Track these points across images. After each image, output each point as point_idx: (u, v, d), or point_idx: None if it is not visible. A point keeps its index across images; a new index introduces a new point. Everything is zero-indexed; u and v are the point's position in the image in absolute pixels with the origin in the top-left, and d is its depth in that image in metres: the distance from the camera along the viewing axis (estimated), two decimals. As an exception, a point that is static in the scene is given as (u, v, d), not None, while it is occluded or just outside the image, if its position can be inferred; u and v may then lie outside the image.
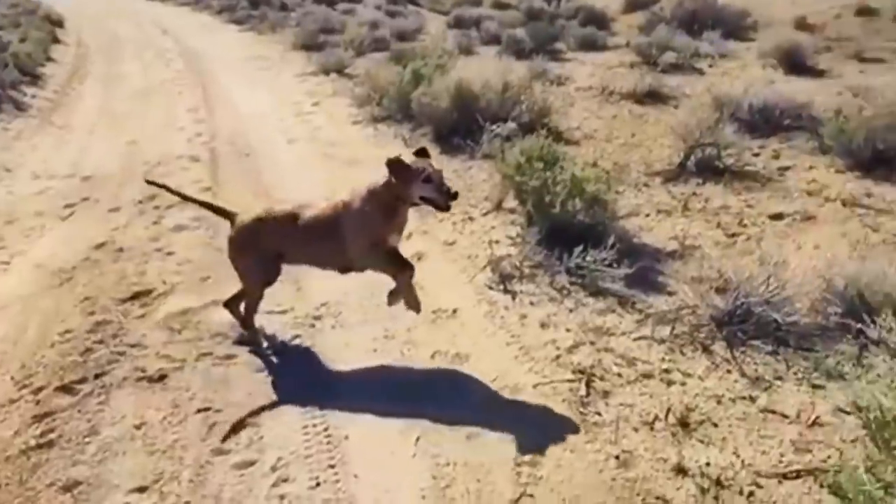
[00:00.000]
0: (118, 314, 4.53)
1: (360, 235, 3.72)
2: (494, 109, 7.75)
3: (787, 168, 6.68)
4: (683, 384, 3.70)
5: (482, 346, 4.09)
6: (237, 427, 3.48)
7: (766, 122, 7.70)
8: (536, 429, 3.38)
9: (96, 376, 3.90)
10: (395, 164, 3.57)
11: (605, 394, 3.64)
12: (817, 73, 10.63)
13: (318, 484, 3.13)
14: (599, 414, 3.50)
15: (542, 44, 13.23)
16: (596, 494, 3.02)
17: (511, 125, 7.34)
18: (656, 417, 3.45)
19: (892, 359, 3.46)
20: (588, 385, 3.69)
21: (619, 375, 3.78)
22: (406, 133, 8.31)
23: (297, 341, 4.23)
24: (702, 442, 3.29)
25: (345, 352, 4.09)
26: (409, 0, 22.84)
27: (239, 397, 3.71)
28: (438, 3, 22.27)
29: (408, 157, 3.63)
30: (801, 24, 14.09)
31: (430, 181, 3.57)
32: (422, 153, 3.72)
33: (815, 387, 3.62)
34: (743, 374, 3.75)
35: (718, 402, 3.55)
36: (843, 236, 5.27)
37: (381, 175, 3.65)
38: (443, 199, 3.58)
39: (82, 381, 3.87)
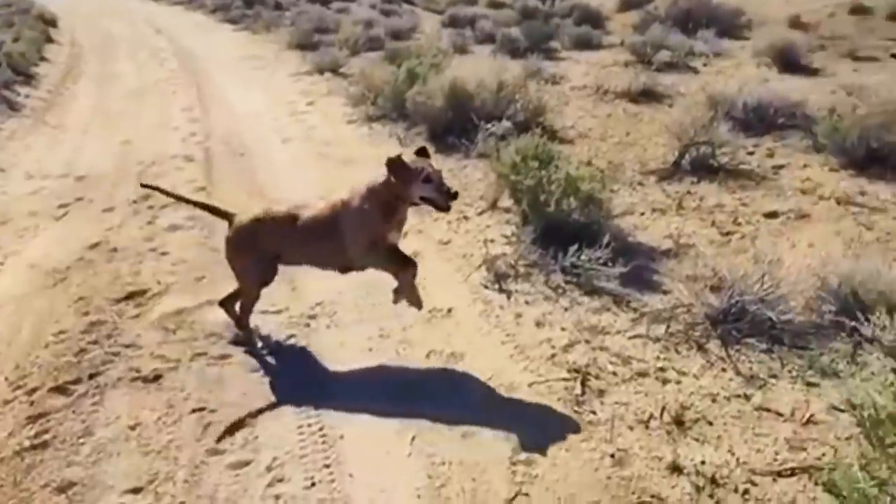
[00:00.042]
0: (112, 314, 4.52)
1: (359, 234, 3.70)
2: (489, 108, 7.75)
3: (781, 166, 6.69)
4: (678, 382, 3.70)
5: (477, 346, 4.09)
6: (234, 428, 3.48)
7: (760, 120, 7.72)
8: (532, 428, 3.38)
9: (91, 377, 3.89)
10: (394, 164, 3.56)
11: (601, 392, 3.65)
12: (811, 72, 10.66)
13: (313, 484, 3.13)
14: (595, 412, 3.50)
15: (537, 43, 13.23)
16: (591, 493, 3.02)
17: (506, 124, 7.35)
18: (651, 416, 3.45)
19: (886, 357, 3.47)
20: (583, 384, 3.70)
21: (615, 374, 3.79)
22: (401, 132, 8.30)
23: (292, 341, 4.22)
24: (697, 440, 3.29)
25: (340, 351, 4.09)
26: (403, -1, 22.84)
27: (234, 397, 3.70)
28: (433, 2, 22.25)
29: (408, 157, 3.63)
30: (795, 23, 14.11)
31: (430, 181, 3.56)
32: (422, 153, 3.71)
33: (809, 385, 3.63)
34: (738, 373, 3.76)
35: (713, 401, 3.55)
36: (837, 234, 5.28)
37: (380, 173, 3.64)
38: (442, 199, 3.57)
39: (77, 381, 3.86)
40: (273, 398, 3.69)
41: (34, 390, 3.79)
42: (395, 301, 3.93)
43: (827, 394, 3.54)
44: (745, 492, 2.99)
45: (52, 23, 20.65)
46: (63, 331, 4.35)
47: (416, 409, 3.53)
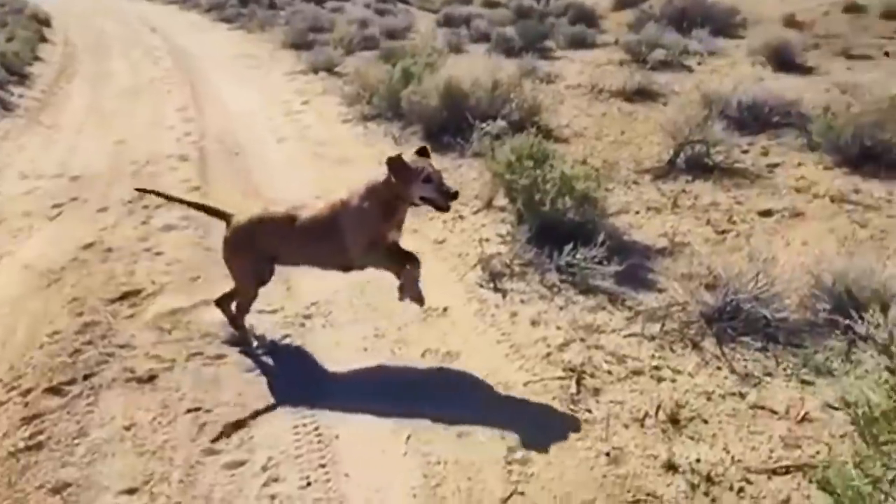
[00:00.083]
0: (107, 315, 4.51)
1: (358, 234, 3.68)
2: (484, 108, 7.75)
3: (775, 165, 6.71)
4: (673, 381, 3.71)
5: (473, 345, 4.09)
6: (234, 428, 3.46)
7: (755, 119, 7.73)
8: (527, 426, 3.38)
9: (85, 377, 3.88)
10: (395, 163, 3.55)
11: (596, 391, 3.65)
12: (806, 71, 10.69)
13: (308, 483, 3.12)
14: (590, 411, 3.51)
15: (532, 42, 13.24)
16: (587, 491, 3.03)
17: (501, 123, 7.33)
18: (646, 414, 3.46)
19: (880, 354, 3.47)
20: (578, 382, 3.70)
21: (610, 373, 3.79)
22: (396, 131, 8.29)
23: (287, 341, 4.21)
24: (692, 438, 3.30)
25: (335, 351, 4.08)
26: (398, -2, 22.82)
27: (229, 397, 3.69)
28: (428, 2, 22.24)
29: (408, 157, 3.62)
30: (790, 22, 14.16)
31: (430, 181, 3.56)
32: (422, 153, 3.70)
33: (804, 383, 3.64)
34: (732, 371, 3.77)
35: (708, 399, 3.56)
36: (831, 232, 5.30)
37: (380, 172, 3.63)
38: (442, 199, 3.57)
39: (71, 382, 3.85)
40: (268, 398, 3.68)
41: (28, 391, 3.78)
42: (401, 298, 3.88)
43: (821, 392, 3.55)
44: (741, 490, 2.99)
45: (45, 22, 20.59)
46: (57, 331, 4.34)
47: (411, 408, 3.52)
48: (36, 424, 3.53)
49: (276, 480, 3.15)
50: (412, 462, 3.22)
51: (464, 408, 3.53)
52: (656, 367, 3.81)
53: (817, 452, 3.16)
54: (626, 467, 3.14)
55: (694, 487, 3.01)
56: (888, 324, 3.61)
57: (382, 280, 4.51)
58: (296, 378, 3.85)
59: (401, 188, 3.58)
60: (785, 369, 3.75)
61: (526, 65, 10.82)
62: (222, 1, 23.08)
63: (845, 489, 2.35)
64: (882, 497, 2.30)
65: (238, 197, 6.37)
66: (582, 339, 4.09)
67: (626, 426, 3.39)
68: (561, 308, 4.43)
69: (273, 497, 3.06)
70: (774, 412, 3.45)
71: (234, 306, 4.14)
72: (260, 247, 3.90)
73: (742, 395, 3.57)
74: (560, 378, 3.75)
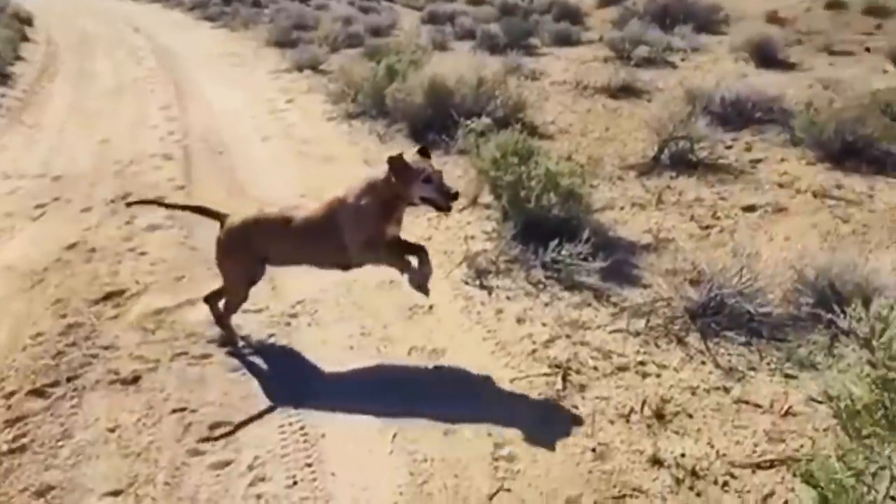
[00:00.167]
0: (91, 316, 4.47)
1: (357, 231, 3.65)
2: (469, 105, 7.75)
3: (759, 160, 6.75)
4: (658, 376, 3.73)
5: (459, 342, 4.10)
6: (229, 433, 3.45)
7: (738, 115, 7.79)
8: (513, 423, 3.39)
9: (69, 379, 3.85)
10: (396, 163, 3.54)
11: (582, 387, 3.66)
12: (788, 66, 10.77)
13: (295, 483, 3.12)
14: (576, 407, 3.52)
15: (517, 39, 13.26)
16: (572, 487, 3.04)
17: (486, 120, 7.30)
18: (632, 410, 3.47)
19: (862, 348, 3.49)
20: (564, 379, 3.71)
21: (595, 369, 3.80)
22: (381, 129, 8.27)
23: (272, 340, 4.20)
24: (677, 433, 3.31)
25: (321, 350, 4.07)
26: (382, -4, 22.77)
27: (214, 397, 3.67)
28: (412, -1, 22.23)
29: (408, 156, 3.61)
30: (772, 18, 14.26)
31: (431, 181, 3.55)
32: (423, 153, 3.68)
33: (787, 377, 3.67)
34: (717, 366, 3.79)
35: (693, 394, 3.58)
36: (813, 227, 5.34)
37: (379, 171, 3.62)
38: (443, 199, 3.56)
39: (54, 384, 3.81)
40: (254, 397, 3.66)
41: (11, 394, 3.74)
42: (418, 289, 3.78)
43: (805, 385, 3.57)
44: (725, 484, 3.01)
45: (27, 21, 20.36)
46: (40, 333, 4.30)
47: (397, 406, 3.52)
48: (19, 427, 3.50)
49: (262, 480, 3.14)
50: (399, 460, 3.22)
51: (450, 405, 3.53)
52: (641, 363, 3.83)
53: (801, 446, 3.19)
54: (612, 463, 3.16)
55: (679, 482, 3.02)
56: (870, 318, 3.62)
57: (368, 278, 4.52)
58: (281, 377, 3.84)
59: (401, 188, 3.57)
60: (769, 364, 3.78)
61: (511, 62, 10.84)
62: (205, -1, 22.96)
63: (829, 482, 2.36)
64: (865, 490, 2.32)
65: (223, 195, 6.34)
66: (567, 336, 4.10)
67: (612, 422, 3.41)
68: (546, 305, 4.44)
69: (259, 496, 3.05)
70: (758, 406, 3.47)
71: (221, 304, 4.12)
72: (254, 248, 3.88)
73: (726, 390, 3.60)
74: (546, 374, 3.76)
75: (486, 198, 5.82)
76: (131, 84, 11.91)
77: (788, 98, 8.03)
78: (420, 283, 3.72)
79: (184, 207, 4.31)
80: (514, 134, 5.68)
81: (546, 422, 3.41)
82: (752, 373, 3.72)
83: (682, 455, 3.16)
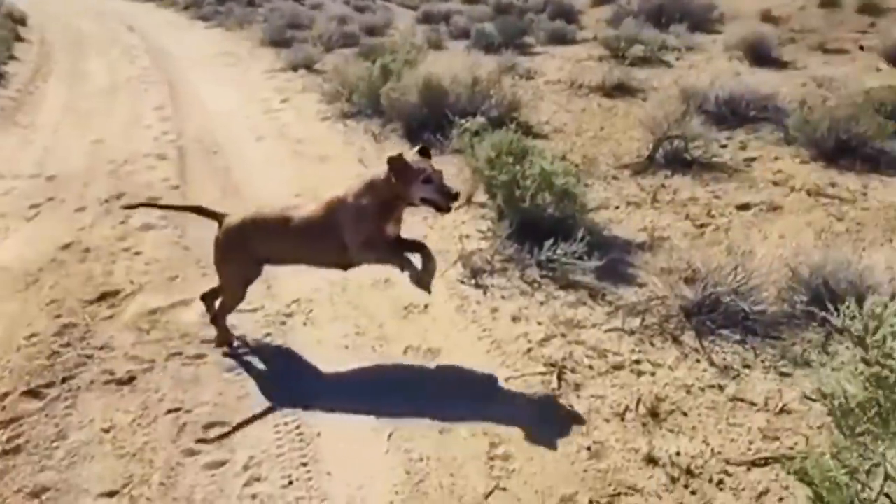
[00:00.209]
0: (85, 316, 4.46)
1: (356, 231, 3.64)
2: (464, 104, 7.74)
3: (753, 159, 6.77)
4: (653, 375, 3.73)
5: (454, 341, 4.10)
6: (227, 434, 3.44)
7: (732, 113, 7.80)
8: (508, 422, 3.39)
9: (63, 380, 3.84)
10: (396, 163, 3.52)
11: (577, 386, 3.66)
12: (782, 65, 10.79)
13: (290, 482, 3.11)
14: (571, 406, 3.52)
15: (511, 38, 13.25)
16: (568, 486, 3.04)
17: (480, 120, 7.29)
18: (627, 408, 3.48)
19: (856, 346, 3.50)
20: (559, 377, 3.71)
21: (590, 367, 3.81)
22: (376, 129, 8.26)
23: (268, 339, 4.19)
24: (672, 431, 3.32)
25: (316, 349, 4.07)
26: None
27: (209, 397, 3.67)
28: (407, -2, 22.21)
29: (409, 156, 3.60)
30: (766, 17, 14.29)
31: (431, 182, 3.53)
32: (423, 152, 3.67)
33: (782, 375, 3.68)
34: (712, 364, 3.80)
35: (688, 392, 3.59)
36: (808, 225, 5.35)
37: (380, 171, 3.61)
38: (443, 199, 3.55)
39: (49, 385, 3.80)
40: (249, 397, 3.66)
41: (6, 395, 3.73)
42: (422, 288, 3.77)
43: (799, 383, 3.59)
44: (720, 482, 3.02)
45: (21, 21, 20.27)
46: (35, 334, 4.29)
47: (393, 405, 3.52)
48: (14, 428, 3.49)
49: (257, 480, 3.14)
50: (394, 459, 3.22)
51: (445, 404, 3.53)
52: (636, 362, 3.84)
53: (796, 444, 3.20)
54: (607, 461, 3.16)
55: (674, 480, 3.03)
56: (864, 316, 3.64)
57: (363, 277, 4.52)
58: (277, 377, 3.84)
59: (401, 188, 3.56)
60: (763, 361, 3.79)
61: (505, 61, 10.84)
62: (200, -1, 22.90)
63: (823, 480, 2.37)
64: (859, 487, 2.33)
65: (218, 195, 6.33)
66: (563, 335, 4.10)
67: (607, 420, 3.41)
68: (542, 304, 4.45)
69: (255, 496, 3.05)
70: (753, 404, 3.48)
71: (217, 304, 4.11)
72: (252, 248, 3.86)
73: (721, 388, 3.61)
74: (541, 373, 3.76)
75: (481, 197, 5.82)
76: (125, 84, 11.87)
77: (782, 96, 8.05)
78: (421, 280, 3.71)
79: (181, 208, 4.30)
80: (509, 133, 5.68)
81: (541, 420, 3.42)
82: (746, 371, 3.73)
83: (677, 453, 3.17)
